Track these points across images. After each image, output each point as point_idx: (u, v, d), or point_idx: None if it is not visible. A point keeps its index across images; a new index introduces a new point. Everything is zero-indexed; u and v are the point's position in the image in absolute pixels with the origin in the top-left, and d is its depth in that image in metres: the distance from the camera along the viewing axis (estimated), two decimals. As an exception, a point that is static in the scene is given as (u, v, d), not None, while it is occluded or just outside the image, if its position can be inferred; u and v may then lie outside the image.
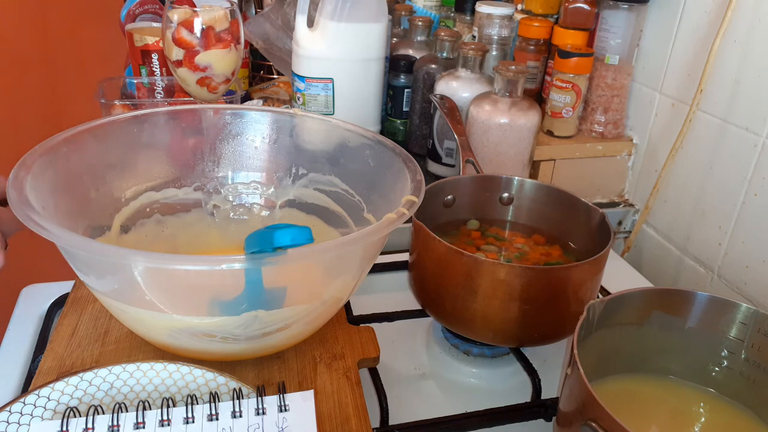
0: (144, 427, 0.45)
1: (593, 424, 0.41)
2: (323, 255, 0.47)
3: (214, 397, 0.47)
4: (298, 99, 0.90)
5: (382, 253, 0.79)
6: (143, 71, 1.01)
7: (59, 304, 0.66)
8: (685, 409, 0.54)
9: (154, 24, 1.09)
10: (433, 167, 0.92)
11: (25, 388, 0.57)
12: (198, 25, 0.71)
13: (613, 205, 0.96)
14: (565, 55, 0.88)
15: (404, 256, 0.69)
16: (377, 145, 0.63)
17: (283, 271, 0.49)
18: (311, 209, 0.68)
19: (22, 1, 1.71)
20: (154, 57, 1.00)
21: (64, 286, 0.68)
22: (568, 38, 0.91)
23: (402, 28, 1.11)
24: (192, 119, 0.68)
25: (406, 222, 0.52)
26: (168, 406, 0.46)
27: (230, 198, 0.69)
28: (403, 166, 0.59)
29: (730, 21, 0.74)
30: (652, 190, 0.88)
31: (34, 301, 0.68)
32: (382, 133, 0.98)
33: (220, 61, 0.73)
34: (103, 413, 0.45)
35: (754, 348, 0.52)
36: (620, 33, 0.89)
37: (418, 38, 1.02)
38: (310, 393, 0.49)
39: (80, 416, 0.45)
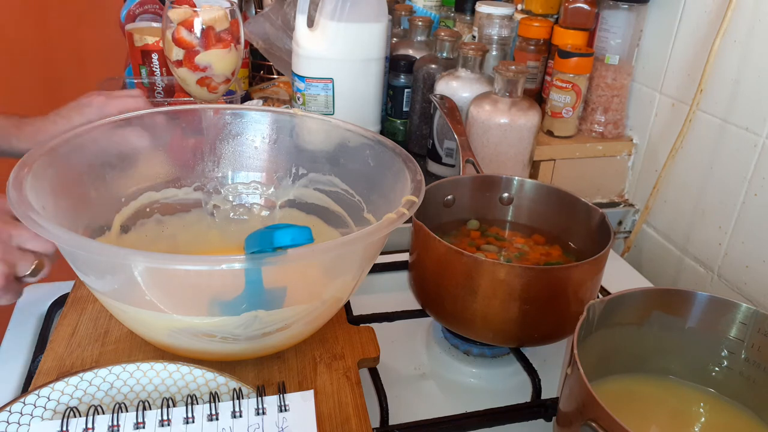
0: (144, 427, 0.45)
1: (593, 424, 0.41)
2: (323, 255, 0.47)
3: (214, 397, 0.47)
4: (298, 99, 0.90)
5: (382, 253, 0.79)
6: (143, 71, 1.01)
7: (59, 304, 0.66)
8: (685, 409, 0.54)
9: (154, 24, 1.09)
10: (433, 167, 0.92)
11: (25, 388, 0.57)
12: (198, 25, 0.71)
13: (613, 205, 0.96)
14: (565, 55, 0.88)
15: (404, 256, 0.69)
16: (377, 145, 0.63)
17: (283, 271, 0.49)
18: (311, 209, 0.68)
19: (23, 0, 1.71)
20: (154, 57, 1.00)
21: (64, 286, 0.68)
22: (568, 38, 0.91)
23: (402, 28, 1.11)
24: (192, 119, 0.68)
25: (406, 222, 0.52)
26: (168, 406, 0.46)
27: (230, 198, 0.69)
28: (403, 166, 0.59)
29: (730, 21, 0.74)
30: (652, 190, 0.88)
31: (34, 301, 0.68)
32: (382, 133, 0.98)
33: (220, 61, 0.73)
34: (103, 413, 0.45)
35: (754, 348, 0.52)
36: (620, 33, 0.89)
37: (418, 38, 1.02)
38: (310, 393, 0.49)
39: (80, 416, 0.45)
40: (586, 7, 0.91)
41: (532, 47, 0.97)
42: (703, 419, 0.53)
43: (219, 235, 0.68)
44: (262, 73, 1.19)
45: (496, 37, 0.94)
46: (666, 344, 0.55)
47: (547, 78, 0.98)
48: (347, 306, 0.67)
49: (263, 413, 0.46)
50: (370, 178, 0.64)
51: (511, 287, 0.56)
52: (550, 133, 0.93)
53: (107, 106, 0.70)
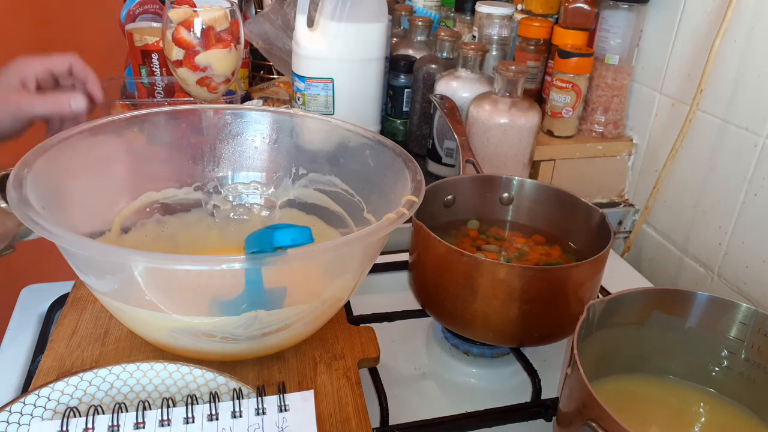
0: (144, 427, 0.45)
1: (593, 424, 0.41)
2: (323, 255, 0.47)
3: (214, 397, 0.47)
4: (298, 99, 0.90)
5: (382, 253, 0.79)
6: (143, 71, 1.01)
7: (59, 304, 0.66)
8: (685, 409, 0.54)
9: (154, 24, 1.09)
10: (433, 167, 0.92)
11: (25, 388, 0.57)
12: (198, 25, 0.71)
13: (613, 205, 0.96)
14: (565, 55, 0.88)
15: (404, 256, 0.69)
16: (377, 145, 0.63)
17: (282, 271, 0.49)
18: (311, 209, 0.68)
19: (22, 1, 1.71)
20: (154, 57, 1.00)
21: (64, 286, 0.68)
22: (568, 38, 0.91)
23: (402, 28, 1.11)
24: (192, 119, 0.68)
25: (406, 222, 0.52)
26: (168, 406, 0.46)
27: (230, 198, 0.69)
28: (403, 166, 0.59)
29: (730, 21, 0.74)
30: (652, 190, 0.88)
31: (34, 301, 0.68)
32: (382, 133, 0.98)
33: (220, 61, 0.73)
34: (103, 413, 0.45)
35: (754, 348, 0.52)
36: (620, 33, 0.89)
37: (418, 38, 1.02)
38: (310, 393, 0.49)
39: (80, 416, 0.45)
40: (586, 7, 0.91)
41: (532, 47, 0.97)
42: (703, 419, 0.53)
43: (219, 235, 0.68)
44: (262, 73, 1.19)
45: (496, 37, 0.94)
46: (666, 344, 0.55)
47: (547, 78, 0.98)
48: (347, 306, 0.67)
49: (263, 413, 0.46)
50: (370, 178, 0.64)
51: (511, 287, 0.56)
52: (550, 133, 0.93)
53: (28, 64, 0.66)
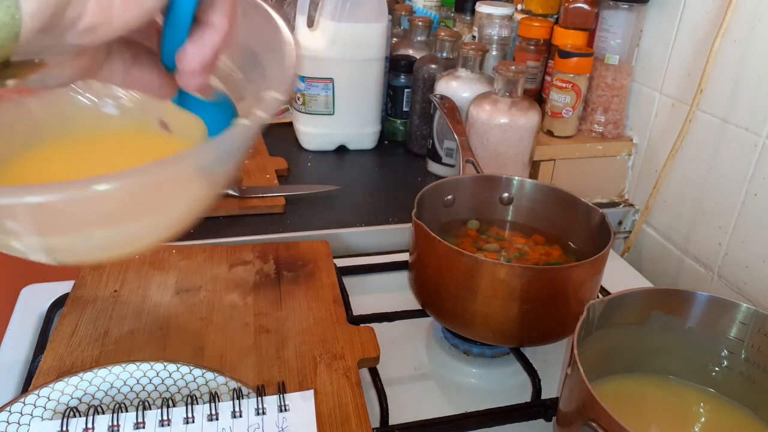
0: (144, 427, 0.45)
1: (593, 424, 0.41)
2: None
3: (214, 397, 0.47)
4: (298, 99, 0.90)
5: (383, 253, 0.79)
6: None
7: (59, 304, 0.66)
8: (685, 409, 0.54)
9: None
10: (433, 167, 0.92)
11: (25, 388, 0.57)
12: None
13: (613, 205, 0.96)
14: (565, 55, 0.88)
15: (404, 256, 0.69)
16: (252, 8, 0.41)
17: None
18: None
19: (22, 1, 1.71)
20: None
21: (64, 286, 0.68)
22: (568, 38, 0.91)
23: (402, 28, 1.11)
24: None
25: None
26: (168, 406, 0.46)
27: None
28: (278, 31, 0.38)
29: (730, 21, 0.74)
30: (652, 190, 0.88)
31: (34, 301, 0.68)
32: (382, 133, 0.98)
33: (220, 60, 0.73)
34: (103, 413, 0.45)
35: (754, 348, 0.52)
36: (620, 33, 0.89)
37: (418, 38, 1.02)
38: (310, 393, 0.49)
39: (80, 416, 0.45)
40: (586, 7, 0.91)
41: (532, 47, 0.97)
42: (703, 419, 0.53)
43: (97, 114, 0.44)
44: (262, 73, 1.19)
45: (496, 37, 0.94)
46: (666, 344, 0.55)
47: (547, 78, 0.98)
48: (347, 306, 0.67)
49: (263, 413, 0.46)
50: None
51: (511, 287, 0.56)
52: (550, 133, 0.93)
53: None
